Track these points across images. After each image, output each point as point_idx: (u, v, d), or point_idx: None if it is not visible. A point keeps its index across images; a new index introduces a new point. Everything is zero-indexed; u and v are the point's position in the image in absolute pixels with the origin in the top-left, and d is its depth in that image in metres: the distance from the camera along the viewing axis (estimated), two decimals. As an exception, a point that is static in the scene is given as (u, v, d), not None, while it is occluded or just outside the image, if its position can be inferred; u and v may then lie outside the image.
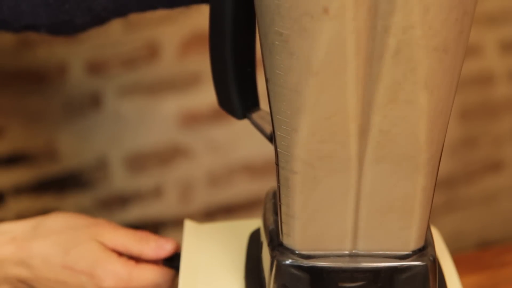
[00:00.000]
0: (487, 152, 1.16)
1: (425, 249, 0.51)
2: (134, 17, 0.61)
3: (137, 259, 0.63)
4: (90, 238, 0.62)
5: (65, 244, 0.61)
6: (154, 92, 0.99)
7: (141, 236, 0.63)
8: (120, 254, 0.63)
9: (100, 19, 0.60)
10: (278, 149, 0.48)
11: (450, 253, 0.60)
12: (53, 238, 0.62)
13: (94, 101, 0.97)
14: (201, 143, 1.02)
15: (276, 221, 0.53)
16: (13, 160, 0.95)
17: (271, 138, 0.49)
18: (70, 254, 0.61)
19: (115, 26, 0.94)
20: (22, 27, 0.60)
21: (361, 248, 0.50)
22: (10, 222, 0.64)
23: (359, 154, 0.47)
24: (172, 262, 0.63)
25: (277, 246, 0.51)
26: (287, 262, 0.50)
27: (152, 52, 0.98)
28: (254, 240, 0.59)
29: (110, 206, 1.01)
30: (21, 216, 0.95)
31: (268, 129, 0.52)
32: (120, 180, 1.00)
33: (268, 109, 0.48)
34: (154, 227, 1.03)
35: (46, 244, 0.62)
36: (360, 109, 0.45)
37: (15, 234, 0.63)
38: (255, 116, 0.55)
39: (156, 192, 1.03)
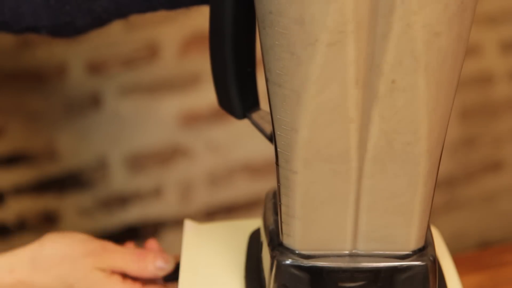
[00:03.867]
0: (487, 152, 1.16)
1: (425, 249, 0.51)
2: (134, 17, 0.61)
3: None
4: (91, 268, 0.61)
5: (68, 278, 0.61)
6: (154, 92, 0.99)
7: (139, 257, 0.62)
8: (124, 275, 0.62)
9: (101, 20, 0.60)
10: (278, 149, 0.48)
11: (450, 253, 0.60)
12: (54, 272, 0.61)
13: (94, 101, 0.97)
14: (201, 143, 1.02)
15: (276, 221, 0.53)
16: (13, 160, 0.95)
17: (271, 138, 0.49)
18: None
19: (115, 26, 0.94)
20: (23, 29, 0.60)
21: (361, 248, 0.50)
22: (6, 254, 0.62)
23: (359, 153, 0.47)
24: (172, 275, 0.62)
25: (277, 246, 0.51)
26: (287, 262, 0.50)
27: (152, 52, 0.98)
28: (254, 240, 0.59)
29: (110, 206, 1.01)
30: (21, 216, 0.96)
31: (268, 129, 0.52)
32: (120, 180, 1.00)
33: (268, 109, 0.48)
34: (154, 227, 1.03)
35: (47, 279, 0.61)
36: (360, 109, 0.45)
37: (13, 267, 0.61)
38: (255, 116, 0.55)
39: (156, 192, 1.03)
